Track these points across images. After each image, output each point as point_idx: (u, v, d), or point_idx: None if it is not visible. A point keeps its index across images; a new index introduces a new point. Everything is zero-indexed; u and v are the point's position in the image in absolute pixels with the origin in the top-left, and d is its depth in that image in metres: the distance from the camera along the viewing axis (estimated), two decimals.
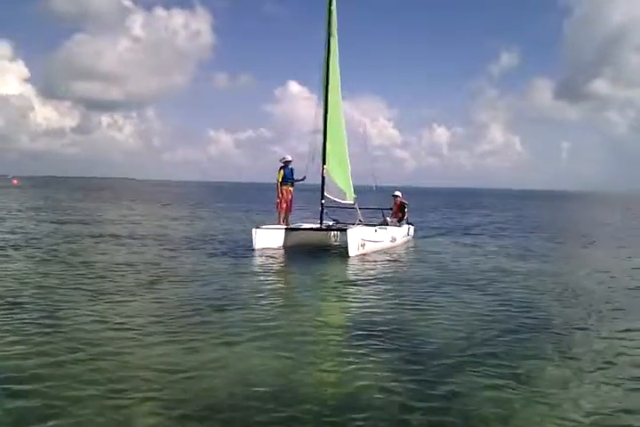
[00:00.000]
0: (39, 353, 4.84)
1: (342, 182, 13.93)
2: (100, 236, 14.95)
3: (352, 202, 14.07)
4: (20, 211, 25.30)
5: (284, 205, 13.73)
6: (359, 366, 4.73)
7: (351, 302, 7.59)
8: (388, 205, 16.27)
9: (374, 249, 12.55)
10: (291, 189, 13.81)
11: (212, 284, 8.40)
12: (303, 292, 8.50)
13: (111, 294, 7.48)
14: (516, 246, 14.91)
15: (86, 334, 5.53)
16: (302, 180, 13.78)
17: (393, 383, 4.34)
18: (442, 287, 8.52)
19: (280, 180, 13.63)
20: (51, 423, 3.53)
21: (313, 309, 7.15)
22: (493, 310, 7.02)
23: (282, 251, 12.49)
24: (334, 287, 8.60)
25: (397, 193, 15.87)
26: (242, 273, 9.61)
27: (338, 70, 13.83)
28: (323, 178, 13.51)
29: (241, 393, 4.09)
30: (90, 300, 7.06)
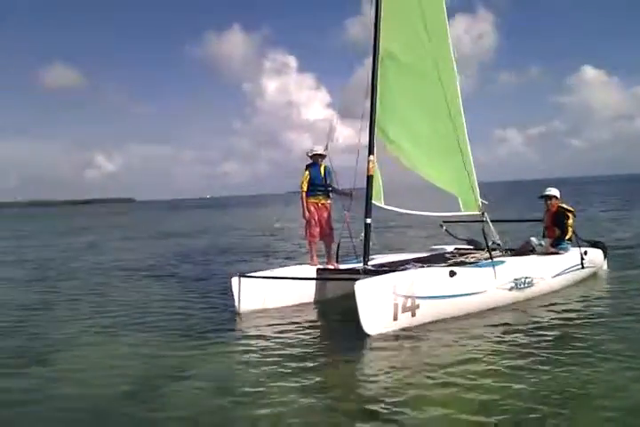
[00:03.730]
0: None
1: (451, 183, 8.24)
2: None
3: (477, 212, 8.20)
4: None
5: (317, 230, 8.05)
6: None
7: None
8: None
9: (449, 312, 6.53)
10: (326, 202, 8.09)
11: None
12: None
13: None
14: None
15: None
16: (349, 194, 8.09)
17: None
18: None
19: (305, 188, 7.97)
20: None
21: None
22: None
23: (284, 312, 7.24)
24: None
25: (552, 191, 8.82)
26: None
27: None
28: (368, 178, 7.64)
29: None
30: None
